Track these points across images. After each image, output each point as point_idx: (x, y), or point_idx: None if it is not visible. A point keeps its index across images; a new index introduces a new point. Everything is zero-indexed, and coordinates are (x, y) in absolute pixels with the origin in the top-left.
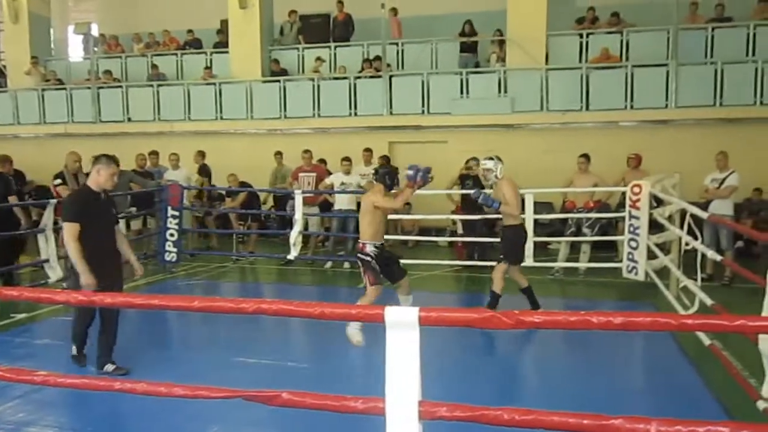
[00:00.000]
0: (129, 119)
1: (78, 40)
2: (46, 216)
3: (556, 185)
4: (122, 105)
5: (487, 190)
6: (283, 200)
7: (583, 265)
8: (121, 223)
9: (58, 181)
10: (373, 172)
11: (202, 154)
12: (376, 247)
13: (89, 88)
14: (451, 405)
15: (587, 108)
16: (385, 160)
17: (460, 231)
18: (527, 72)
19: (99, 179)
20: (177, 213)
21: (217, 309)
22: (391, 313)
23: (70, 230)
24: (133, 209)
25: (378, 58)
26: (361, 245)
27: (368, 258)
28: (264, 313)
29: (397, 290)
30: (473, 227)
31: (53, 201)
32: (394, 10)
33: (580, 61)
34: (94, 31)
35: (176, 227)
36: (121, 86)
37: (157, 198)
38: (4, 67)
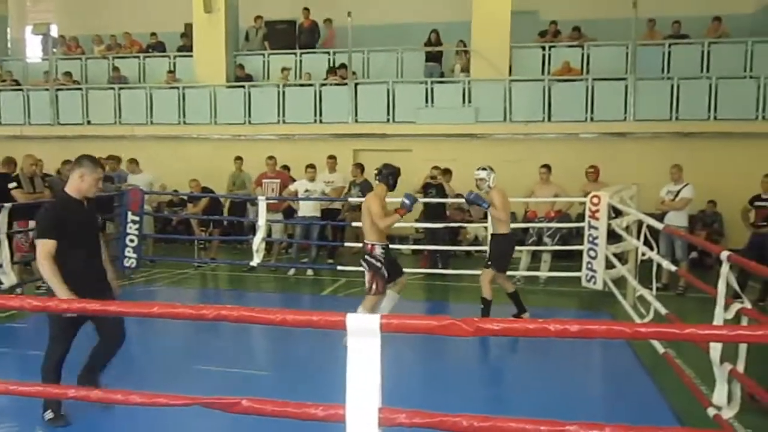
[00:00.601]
0: (89, 122)
1: (36, 40)
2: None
3: (518, 195)
4: (82, 107)
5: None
6: (239, 206)
7: (543, 274)
8: None
9: (14, 184)
10: (375, 172)
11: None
12: (383, 248)
13: (47, 89)
14: (411, 412)
15: (549, 119)
16: (360, 168)
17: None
18: (491, 83)
19: (82, 186)
20: (137, 218)
21: (177, 315)
22: (352, 320)
23: (43, 248)
24: None
25: (344, 65)
26: (369, 247)
27: (379, 264)
28: (225, 319)
29: (393, 287)
30: (435, 235)
31: (7, 205)
32: (329, 21)
33: (543, 73)
34: (54, 31)
35: (136, 233)
36: (80, 88)
37: (117, 203)
38: None
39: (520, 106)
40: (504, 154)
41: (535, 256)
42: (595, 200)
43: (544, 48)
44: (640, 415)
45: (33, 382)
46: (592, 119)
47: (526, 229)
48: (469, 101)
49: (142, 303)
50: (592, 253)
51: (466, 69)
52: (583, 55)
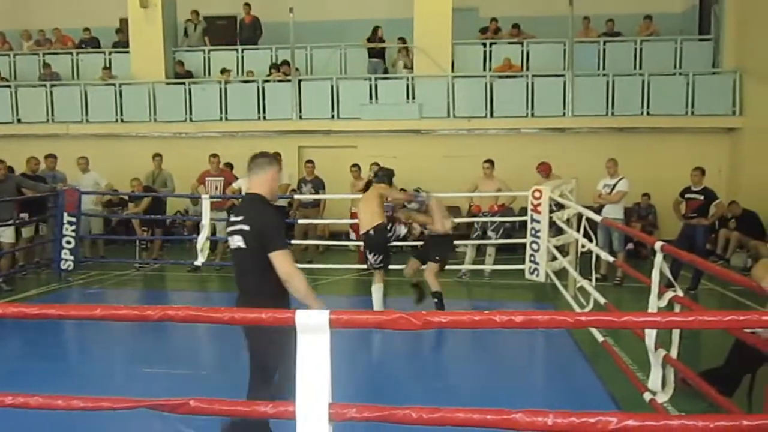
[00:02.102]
0: (18, 120)
1: None
2: None
3: (462, 190)
4: (11, 105)
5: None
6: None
7: (488, 267)
8: (11, 231)
9: None
10: (372, 175)
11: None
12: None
13: None
14: (361, 406)
15: (491, 115)
16: (312, 165)
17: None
18: (434, 79)
19: None
20: (74, 219)
21: (120, 317)
22: (301, 316)
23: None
24: (25, 215)
25: (286, 62)
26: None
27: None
28: (171, 320)
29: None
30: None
31: None
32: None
33: (485, 69)
34: None
35: (73, 234)
36: (9, 86)
37: (51, 203)
38: None
39: (463, 102)
40: (448, 150)
41: (480, 250)
42: (537, 194)
43: (485, 45)
44: (581, 401)
45: None
46: (533, 115)
47: (471, 224)
48: (413, 97)
49: (83, 305)
50: (534, 246)
51: (409, 65)
52: (522, 51)
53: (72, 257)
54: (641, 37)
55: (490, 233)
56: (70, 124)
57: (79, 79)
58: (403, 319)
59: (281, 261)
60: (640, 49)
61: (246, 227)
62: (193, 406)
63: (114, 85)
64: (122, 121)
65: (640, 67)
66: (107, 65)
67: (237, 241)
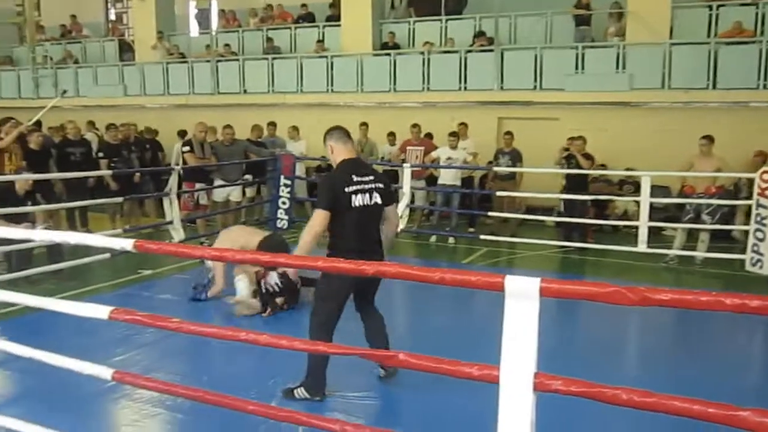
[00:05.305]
0: (245, 91)
1: (199, 16)
2: (172, 180)
3: (674, 168)
4: (239, 77)
5: None
6: None
7: (700, 254)
8: (238, 191)
9: (187, 148)
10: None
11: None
12: None
13: (208, 61)
14: (567, 379)
15: (714, 86)
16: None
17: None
18: (648, 47)
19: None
20: (289, 182)
21: (340, 270)
22: (511, 282)
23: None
24: (249, 177)
25: (482, 33)
26: None
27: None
28: (384, 275)
29: None
30: (573, 208)
31: (178, 167)
32: None
33: (709, 35)
34: (214, 7)
35: (288, 196)
36: (238, 59)
37: (271, 167)
38: (133, 42)
39: (680, 71)
40: (660, 124)
41: (691, 235)
42: (766, 176)
43: (710, 8)
44: None
45: (210, 324)
46: (765, 86)
47: (682, 206)
48: (623, 67)
49: (317, 257)
50: (759, 235)
51: (620, 33)
52: (757, 14)
53: (287, 217)
54: None
55: (704, 217)
56: (287, 94)
57: (296, 52)
58: (618, 293)
59: (396, 211)
60: None
61: (381, 185)
62: (401, 359)
63: (326, 57)
64: (332, 91)
65: None
66: (321, 38)
67: (375, 198)
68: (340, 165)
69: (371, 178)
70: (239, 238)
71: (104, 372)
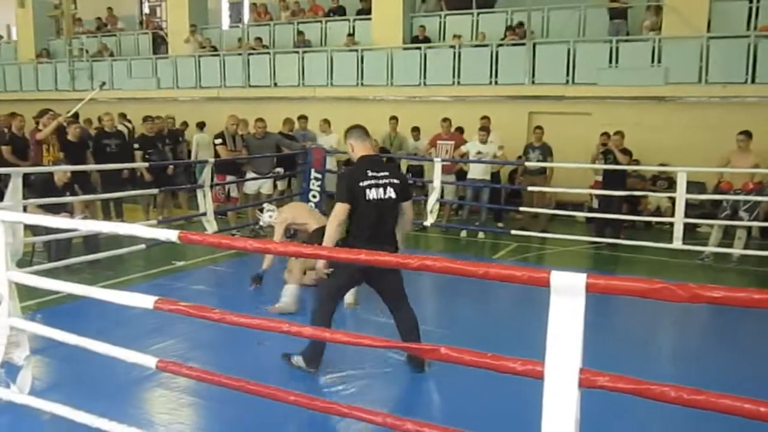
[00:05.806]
0: (275, 84)
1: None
2: (206, 172)
3: (710, 164)
4: (270, 71)
5: None
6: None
7: (737, 251)
8: (269, 183)
9: (219, 140)
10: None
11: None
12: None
13: (240, 54)
14: (614, 376)
15: (753, 81)
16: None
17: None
18: (685, 41)
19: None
20: (319, 175)
21: (381, 263)
22: (557, 277)
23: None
24: (280, 170)
25: (521, 24)
26: None
27: None
28: (428, 269)
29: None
30: (608, 204)
31: (212, 160)
32: None
33: (748, 28)
34: (246, 0)
35: (318, 189)
36: (269, 53)
37: (301, 160)
38: (166, 35)
39: (718, 66)
40: (697, 119)
41: (728, 232)
42: None
43: (750, 0)
44: None
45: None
46: None
47: (719, 202)
48: (659, 61)
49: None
50: None
51: (656, 26)
52: None
53: (317, 210)
54: None
55: (742, 214)
56: (317, 88)
57: (326, 45)
58: (667, 290)
59: (411, 206)
60: None
61: (396, 180)
62: (443, 353)
63: (356, 50)
64: (362, 84)
65: None
66: (351, 32)
67: (389, 192)
68: (357, 161)
69: (386, 173)
70: (293, 212)
71: (149, 360)
